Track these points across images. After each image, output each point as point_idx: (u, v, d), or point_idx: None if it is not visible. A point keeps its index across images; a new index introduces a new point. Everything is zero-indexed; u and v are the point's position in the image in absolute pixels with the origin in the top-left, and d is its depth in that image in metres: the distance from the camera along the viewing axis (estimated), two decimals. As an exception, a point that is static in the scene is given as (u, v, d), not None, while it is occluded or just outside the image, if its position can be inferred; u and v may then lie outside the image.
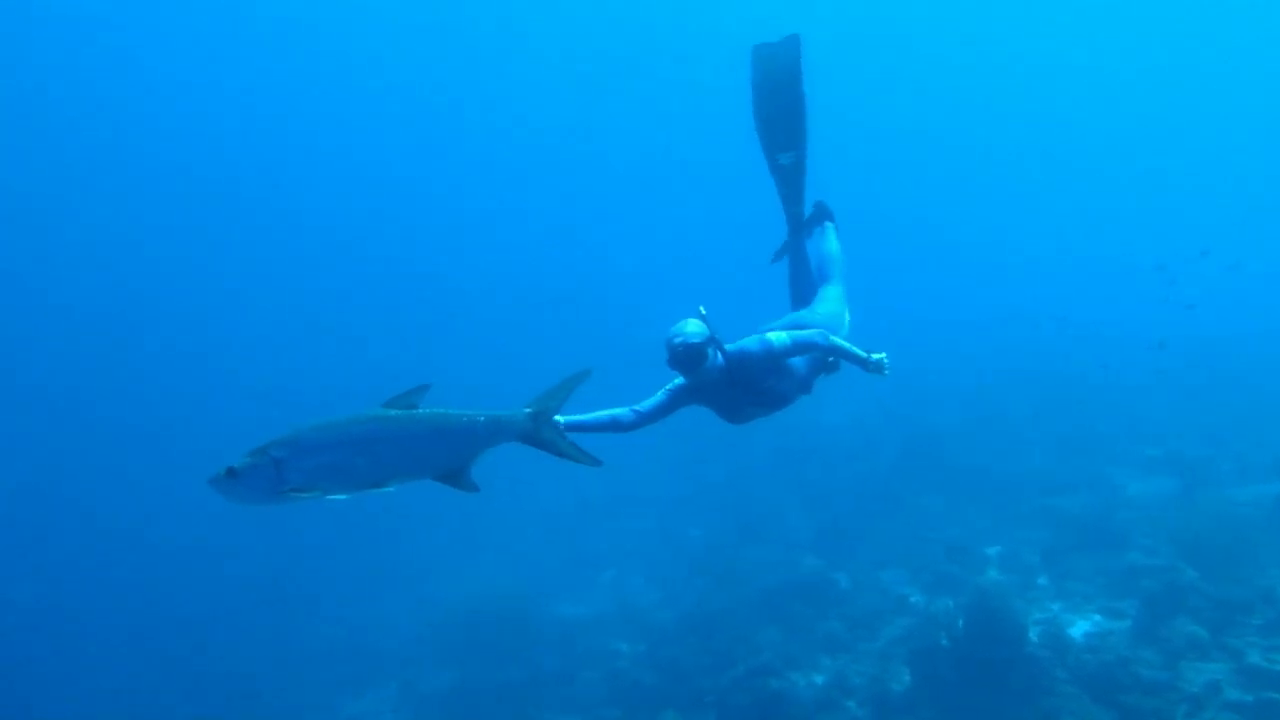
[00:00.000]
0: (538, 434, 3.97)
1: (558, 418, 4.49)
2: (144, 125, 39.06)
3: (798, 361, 4.86)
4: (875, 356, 4.65)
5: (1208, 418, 15.50)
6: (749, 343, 4.62)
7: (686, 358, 4.40)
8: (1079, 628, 10.02)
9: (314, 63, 43.14)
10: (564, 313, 35.36)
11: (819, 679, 10.35)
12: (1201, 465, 13.63)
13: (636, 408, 4.72)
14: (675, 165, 47.94)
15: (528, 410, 3.95)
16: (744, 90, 5.77)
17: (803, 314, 5.37)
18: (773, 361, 4.62)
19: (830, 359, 4.99)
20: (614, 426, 4.69)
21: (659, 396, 4.75)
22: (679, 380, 4.71)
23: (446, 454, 3.77)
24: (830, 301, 5.44)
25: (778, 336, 4.61)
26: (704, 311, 4.54)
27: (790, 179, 5.86)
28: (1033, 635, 9.53)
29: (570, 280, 39.39)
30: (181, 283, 37.46)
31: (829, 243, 5.78)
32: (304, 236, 41.97)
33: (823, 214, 5.97)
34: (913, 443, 16.01)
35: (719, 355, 4.53)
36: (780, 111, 5.74)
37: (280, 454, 3.41)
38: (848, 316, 5.36)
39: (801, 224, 5.90)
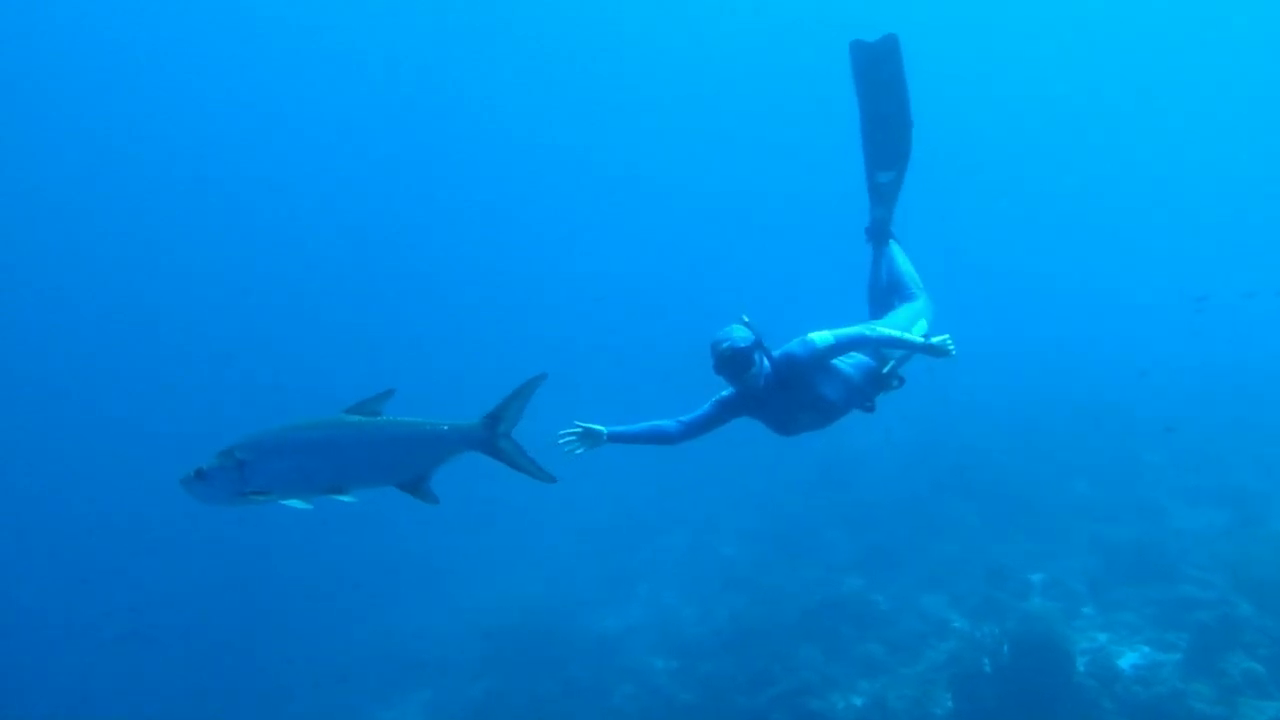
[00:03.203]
0: (494, 444, 3.99)
1: (600, 428, 4.48)
2: (139, 124, 39.45)
3: (848, 368, 4.73)
4: (936, 340, 4.52)
5: (1258, 449, 15.09)
6: (792, 345, 4.53)
7: (733, 362, 4.33)
8: (1127, 659, 9.76)
9: (308, 61, 42.99)
10: (561, 321, 35.21)
11: (858, 700, 10.19)
12: (1255, 498, 13.24)
13: (682, 419, 4.66)
14: (677, 170, 47.12)
15: (484, 421, 3.96)
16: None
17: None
18: (817, 361, 4.50)
19: (885, 370, 4.88)
20: (659, 438, 4.63)
21: (705, 408, 4.67)
22: (726, 391, 4.65)
23: (408, 462, 3.83)
24: (901, 314, 5.33)
25: (820, 336, 4.51)
26: (748, 319, 4.47)
27: (884, 195, 5.82)
28: (1079, 664, 9.30)
29: (571, 287, 39.14)
30: (181, 282, 37.54)
31: (897, 261, 5.71)
32: (302, 234, 41.83)
33: (880, 233, 5.91)
34: (955, 465, 15.77)
35: (765, 361, 4.45)
36: (886, 121, 5.69)
37: (245, 456, 3.47)
38: (919, 329, 5.20)
39: (881, 230, 5.85)
